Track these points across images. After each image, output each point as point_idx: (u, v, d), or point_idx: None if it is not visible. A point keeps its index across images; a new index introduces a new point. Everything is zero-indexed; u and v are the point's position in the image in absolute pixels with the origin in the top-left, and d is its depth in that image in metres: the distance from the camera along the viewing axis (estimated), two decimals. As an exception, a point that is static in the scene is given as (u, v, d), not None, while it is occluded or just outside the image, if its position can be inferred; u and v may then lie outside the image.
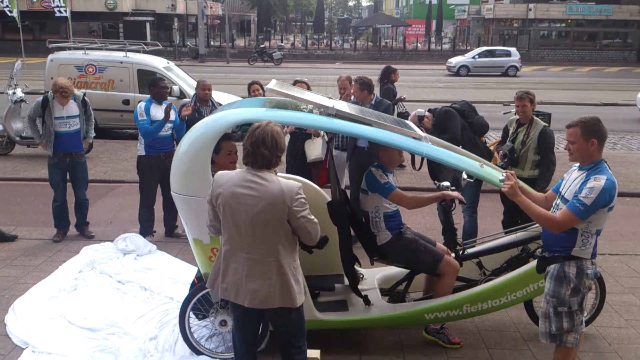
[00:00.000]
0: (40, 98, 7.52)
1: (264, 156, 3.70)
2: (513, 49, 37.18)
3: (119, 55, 14.59)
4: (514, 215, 6.78)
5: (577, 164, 4.09)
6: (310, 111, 4.79)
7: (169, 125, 7.43)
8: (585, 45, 48.80)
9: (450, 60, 37.17)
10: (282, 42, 51.52)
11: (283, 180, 3.76)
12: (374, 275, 5.64)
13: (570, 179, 4.05)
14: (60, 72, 13.44)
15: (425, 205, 5.23)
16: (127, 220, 8.41)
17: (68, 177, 7.69)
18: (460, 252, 5.25)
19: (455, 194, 5.00)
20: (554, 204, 4.14)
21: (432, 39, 53.40)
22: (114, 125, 14.43)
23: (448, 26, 62.35)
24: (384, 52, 48.61)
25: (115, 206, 9.21)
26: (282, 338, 4.03)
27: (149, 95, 7.58)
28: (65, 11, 30.59)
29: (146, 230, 7.64)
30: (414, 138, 4.67)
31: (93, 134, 7.93)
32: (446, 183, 5.16)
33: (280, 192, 3.68)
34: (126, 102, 13.94)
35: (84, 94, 7.78)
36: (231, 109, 4.93)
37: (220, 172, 3.90)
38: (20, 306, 5.68)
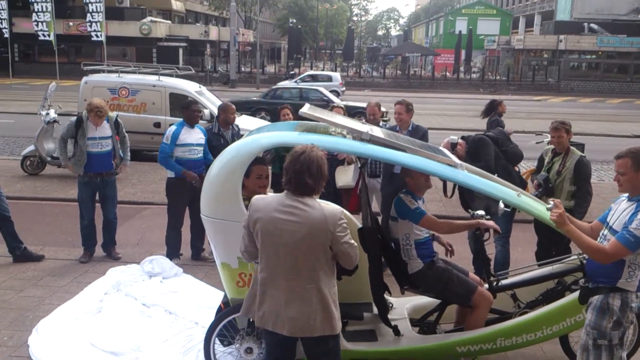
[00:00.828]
0: (74, 118, 7.58)
1: (307, 185, 3.61)
2: (335, 74, 38.45)
3: (152, 78, 14.75)
4: (548, 246, 6.61)
5: (626, 195, 3.95)
6: (344, 136, 4.71)
7: (199, 148, 7.42)
8: (615, 77, 48.25)
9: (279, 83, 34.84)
10: (312, 68, 51.85)
11: (324, 205, 3.68)
12: (404, 304, 5.48)
13: (619, 209, 3.91)
14: (94, 94, 13.57)
15: (458, 231, 5.10)
16: (154, 243, 8.38)
17: (97, 197, 7.69)
18: (494, 284, 5.08)
19: (491, 223, 4.85)
20: (600, 235, 4.00)
21: (461, 69, 53.34)
22: (145, 148, 14.51)
23: (477, 56, 62.24)
24: (413, 81, 48.64)
25: (143, 228, 9.20)
26: None
27: (180, 119, 7.59)
28: (101, 35, 31.26)
29: (173, 252, 7.58)
30: (450, 165, 4.56)
31: (129, 157, 7.89)
32: (481, 212, 5.01)
33: (323, 218, 3.59)
34: (157, 125, 14.04)
35: (117, 116, 7.80)
36: (262, 132, 4.87)
37: (257, 197, 3.82)
38: (44, 327, 5.62)
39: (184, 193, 7.39)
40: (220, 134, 7.70)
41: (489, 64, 60.46)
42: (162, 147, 7.34)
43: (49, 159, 12.26)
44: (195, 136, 7.43)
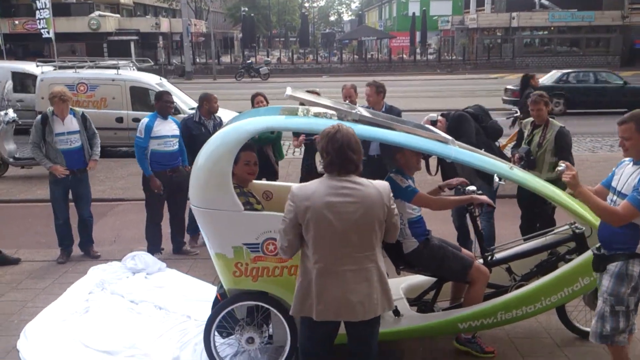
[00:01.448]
0: (38, 117, 7.29)
1: (351, 161, 3.55)
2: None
3: (111, 72, 14.40)
4: (532, 220, 6.67)
5: (628, 159, 3.99)
6: (330, 117, 4.63)
7: (174, 140, 7.25)
8: (568, 51, 49.14)
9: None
10: (268, 57, 51.51)
11: (372, 180, 3.64)
12: (399, 284, 5.45)
13: (625, 173, 3.93)
14: (51, 90, 13.15)
15: (452, 207, 5.12)
16: (131, 239, 8.21)
17: (70, 196, 7.46)
18: (489, 258, 5.08)
19: (485, 198, 4.84)
20: (608, 200, 4.02)
21: (418, 50, 53.66)
22: (109, 144, 14.04)
23: (432, 37, 62.68)
24: (370, 64, 48.74)
25: (118, 225, 8.99)
26: (360, 352, 3.83)
27: (143, 112, 7.38)
28: (50, 32, 30.44)
29: (154, 247, 7.42)
30: (441, 141, 4.53)
31: (98, 152, 7.56)
32: (472, 187, 5.00)
33: (377, 193, 3.56)
34: (119, 119, 13.74)
35: (83, 112, 7.54)
36: (245, 118, 4.76)
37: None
38: (32, 331, 5.43)
39: (161, 186, 7.21)
40: (202, 123, 7.55)
41: (444, 44, 60.98)
42: (136, 141, 7.13)
43: (11, 160, 11.87)
44: (169, 127, 7.25)
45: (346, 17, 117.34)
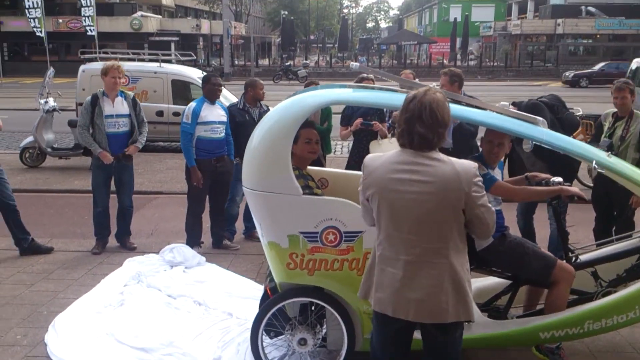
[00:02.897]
0: (88, 98, 6.89)
1: (420, 135, 2.97)
2: None
3: (153, 65, 14.10)
4: (609, 223, 6.04)
5: None
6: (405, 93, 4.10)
7: (221, 126, 6.81)
8: (615, 60, 47.71)
9: None
10: (306, 60, 51.22)
11: (455, 159, 3.04)
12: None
13: None
14: (92, 82, 12.88)
15: (538, 198, 4.52)
16: (169, 232, 7.80)
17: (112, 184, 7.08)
18: (573, 260, 4.44)
19: (576, 190, 4.23)
20: None
21: (458, 56, 52.77)
22: (148, 138, 13.81)
23: (473, 43, 61.67)
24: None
25: (156, 217, 8.58)
26: None
27: (184, 107, 6.97)
28: (93, 30, 30.53)
29: (194, 240, 6.96)
30: (531, 122, 3.97)
31: (143, 140, 7.12)
32: (559, 178, 4.38)
33: (455, 174, 2.95)
34: (160, 113, 13.40)
35: (134, 95, 7.15)
36: (307, 93, 4.27)
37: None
38: (62, 324, 5.00)
39: (205, 176, 6.76)
40: (246, 110, 7.09)
41: (486, 50, 59.92)
42: (182, 127, 6.69)
43: (49, 150, 11.60)
44: (217, 113, 6.80)
45: (383, 25, 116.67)
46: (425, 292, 3.00)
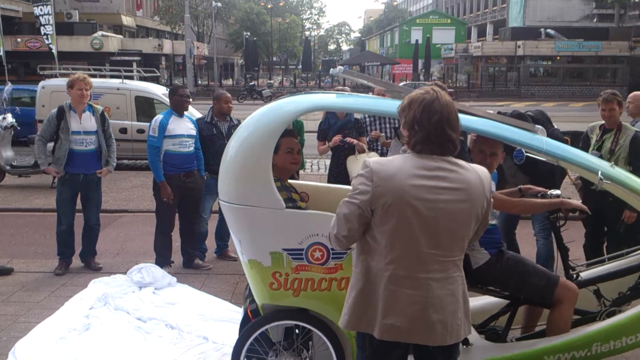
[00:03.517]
0: (53, 110, 6.57)
1: (450, 140, 2.73)
2: None
3: (115, 81, 13.74)
4: (599, 239, 5.91)
5: None
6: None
7: (190, 140, 6.53)
8: (574, 81, 48.73)
9: None
10: (270, 80, 51.20)
11: (471, 164, 2.86)
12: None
13: None
14: (52, 99, 12.48)
15: (536, 212, 4.35)
16: (136, 251, 7.47)
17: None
18: (574, 277, 4.23)
19: (577, 203, 4.04)
20: None
21: (421, 77, 53.26)
22: (111, 156, 13.44)
23: (434, 65, 62.38)
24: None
25: (121, 236, 8.21)
26: None
27: (148, 124, 6.70)
28: (52, 49, 29.85)
29: (163, 260, 6.63)
30: (529, 130, 3.80)
31: (114, 161, 6.82)
32: (557, 191, 4.20)
33: (479, 180, 2.76)
34: (123, 130, 13.00)
35: (103, 110, 6.81)
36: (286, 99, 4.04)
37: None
38: (23, 350, 4.62)
39: (173, 192, 6.46)
40: (214, 124, 6.83)
41: (448, 72, 60.63)
42: (149, 141, 6.40)
43: (8, 167, 11.11)
44: (185, 126, 6.54)
45: (345, 47, 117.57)
46: (447, 311, 2.76)
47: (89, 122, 6.53)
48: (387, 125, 6.95)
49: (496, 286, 4.11)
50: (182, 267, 6.80)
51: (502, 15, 61.50)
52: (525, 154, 4.97)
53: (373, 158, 6.29)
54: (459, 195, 2.72)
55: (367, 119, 7.04)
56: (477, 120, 3.75)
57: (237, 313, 5.22)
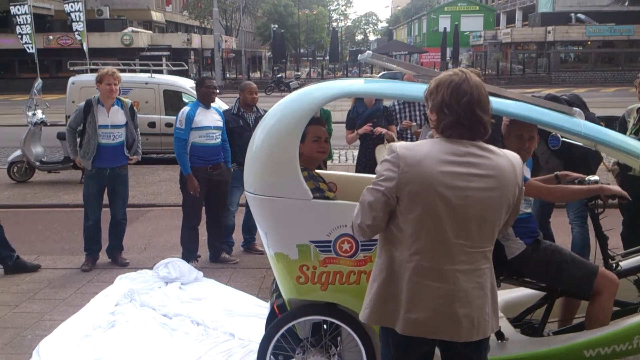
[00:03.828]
0: (81, 104, 6.55)
1: (481, 122, 2.58)
2: None
3: (144, 76, 13.73)
4: (637, 226, 5.64)
5: None
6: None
7: (217, 132, 6.42)
8: (606, 66, 47.66)
9: None
10: (297, 72, 51.12)
11: (502, 149, 2.70)
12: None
13: None
14: (82, 94, 12.43)
15: (574, 198, 4.12)
16: (163, 246, 7.39)
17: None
18: (614, 267, 4.00)
19: (618, 188, 3.82)
20: None
21: (450, 65, 52.68)
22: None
23: (463, 53, 61.58)
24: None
25: (149, 231, 8.15)
26: None
27: (175, 116, 6.62)
28: (83, 45, 30.13)
29: (190, 254, 6.54)
30: (566, 113, 3.58)
31: (140, 151, 6.82)
32: (595, 177, 3.97)
33: (511, 166, 2.60)
34: (152, 124, 13.01)
35: (132, 104, 6.75)
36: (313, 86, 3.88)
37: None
38: (48, 348, 4.55)
39: (200, 185, 6.36)
40: (241, 115, 6.72)
41: (477, 59, 59.83)
42: (176, 133, 6.33)
43: (37, 163, 11.17)
44: (212, 118, 6.43)
45: (372, 37, 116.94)
46: (474, 305, 2.60)
47: (118, 115, 6.47)
48: (417, 113, 6.75)
49: (532, 277, 3.92)
50: (208, 262, 6.70)
51: (531, 1, 60.36)
52: (562, 138, 4.74)
53: (400, 142, 6.13)
54: (490, 183, 2.56)
55: (397, 107, 6.85)
56: (510, 103, 3.54)
57: (264, 308, 5.09)
